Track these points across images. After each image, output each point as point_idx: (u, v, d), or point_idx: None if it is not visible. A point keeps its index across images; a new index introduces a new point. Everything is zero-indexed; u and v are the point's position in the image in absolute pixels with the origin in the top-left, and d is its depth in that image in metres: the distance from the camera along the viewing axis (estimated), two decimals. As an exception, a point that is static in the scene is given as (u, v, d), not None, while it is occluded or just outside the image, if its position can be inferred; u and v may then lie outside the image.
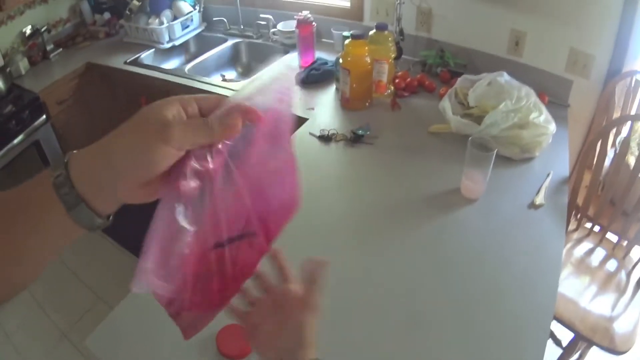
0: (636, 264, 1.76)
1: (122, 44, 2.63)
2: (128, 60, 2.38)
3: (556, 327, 1.67)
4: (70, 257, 2.65)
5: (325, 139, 1.65)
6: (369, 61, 1.74)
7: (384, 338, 1.06)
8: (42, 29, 2.60)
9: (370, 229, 1.36)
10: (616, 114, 1.86)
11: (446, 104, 1.64)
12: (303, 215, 1.42)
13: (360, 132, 1.64)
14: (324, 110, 1.86)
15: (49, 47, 2.62)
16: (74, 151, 0.42)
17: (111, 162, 0.40)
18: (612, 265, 1.79)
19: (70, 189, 0.40)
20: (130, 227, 2.72)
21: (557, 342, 1.76)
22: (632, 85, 1.89)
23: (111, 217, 0.45)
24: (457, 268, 1.24)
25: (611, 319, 1.58)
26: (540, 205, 1.43)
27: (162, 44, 2.49)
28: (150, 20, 2.53)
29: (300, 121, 1.75)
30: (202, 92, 2.07)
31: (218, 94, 1.96)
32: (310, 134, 1.69)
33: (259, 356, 0.66)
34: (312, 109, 1.83)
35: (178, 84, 2.15)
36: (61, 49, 2.68)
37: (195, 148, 0.42)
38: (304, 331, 0.63)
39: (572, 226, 1.89)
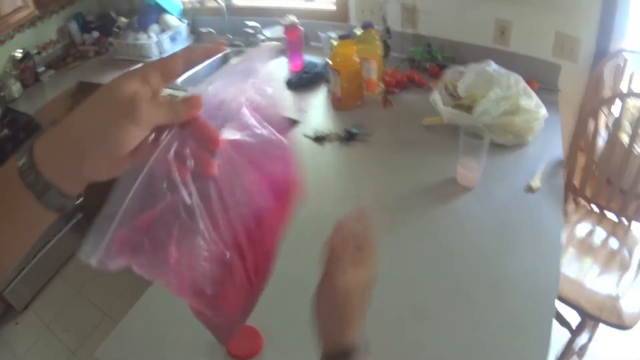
0: (639, 239, 1.77)
1: (112, 62, 2.65)
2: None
3: (563, 310, 1.68)
4: (74, 275, 2.66)
5: (319, 139, 1.66)
6: (357, 60, 1.75)
7: (388, 329, 1.05)
8: (33, 52, 2.62)
9: (372, 223, 1.36)
10: (607, 95, 1.88)
11: (437, 97, 1.66)
12: (303, 215, 1.43)
13: (354, 130, 1.65)
14: (316, 112, 1.87)
15: (40, 69, 2.65)
16: (35, 145, 0.40)
17: (77, 143, 0.39)
18: (613, 243, 1.80)
19: (36, 176, 0.39)
20: None
21: (565, 324, 1.76)
22: (621, 65, 1.91)
23: (81, 197, 0.44)
24: (457, 256, 1.25)
25: (617, 297, 1.59)
26: (537, 189, 1.44)
27: (151, 58, 2.50)
28: (138, 36, 2.55)
29: (294, 124, 1.76)
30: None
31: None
32: (305, 135, 1.69)
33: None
34: (305, 111, 1.84)
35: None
36: (53, 71, 2.70)
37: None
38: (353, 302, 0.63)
39: (570, 208, 1.91)
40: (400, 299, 1.13)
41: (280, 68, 2.23)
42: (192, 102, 0.43)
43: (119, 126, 0.39)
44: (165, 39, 2.55)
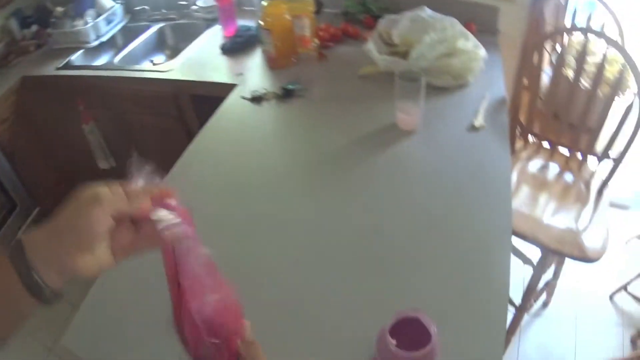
0: (594, 173, 1.76)
1: (52, 52, 2.57)
2: (59, 66, 2.33)
3: (524, 247, 1.67)
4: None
5: (257, 100, 1.61)
6: (288, 18, 1.71)
7: (349, 280, 1.03)
8: (-24, 55, 2.52)
9: (316, 178, 1.34)
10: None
11: (371, 46, 1.62)
12: (247, 176, 1.40)
13: (290, 87, 1.61)
14: (252, 74, 1.83)
15: (-18, 72, 2.55)
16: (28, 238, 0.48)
17: (58, 235, 0.48)
18: (568, 178, 1.79)
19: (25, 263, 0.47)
20: None
21: (527, 261, 1.75)
22: (562, 3, 1.89)
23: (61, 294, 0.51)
24: (405, 201, 1.22)
25: (577, 231, 1.58)
26: (480, 128, 1.42)
27: (89, 42, 2.45)
28: (75, 23, 2.48)
29: (230, 88, 1.72)
30: (134, 81, 2.05)
31: (150, 79, 1.98)
32: (242, 97, 1.65)
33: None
34: (241, 74, 1.79)
35: (110, 77, 2.11)
36: (-4, 71, 2.61)
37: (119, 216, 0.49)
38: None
39: (520, 146, 1.89)
40: (350, 249, 1.11)
41: (214, 36, 2.19)
42: (143, 200, 0.52)
43: (87, 211, 0.48)
44: (102, 22, 2.49)
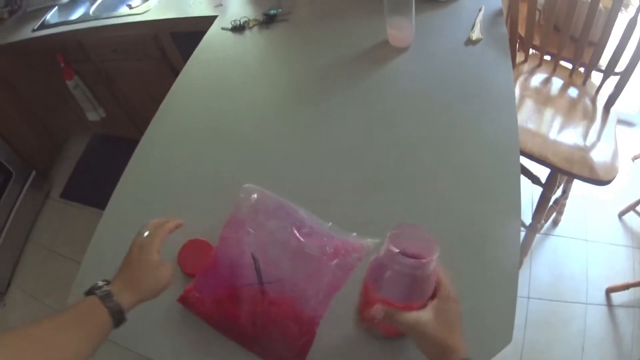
0: (599, 87, 1.68)
1: (27, 15, 2.49)
2: (35, 27, 2.25)
3: (532, 166, 1.61)
4: (43, 236, 2.60)
5: (238, 29, 1.54)
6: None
7: (345, 200, 1.00)
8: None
9: (308, 101, 1.28)
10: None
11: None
12: (234, 109, 1.34)
13: (272, 12, 1.53)
14: (232, 3, 1.74)
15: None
16: (111, 284, 0.68)
17: (139, 290, 0.70)
18: (573, 93, 1.71)
19: (119, 311, 0.65)
20: (87, 186, 2.66)
21: (536, 181, 1.69)
22: None
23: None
24: (402, 120, 1.17)
25: (586, 149, 1.51)
26: (478, 40, 1.34)
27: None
28: (45, -20, 2.37)
29: (211, 21, 1.64)
30: (113, 29, 1.97)
31: (128, 23, 1.90)
32: (223, 28, 1.57)
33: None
34: (221, 5, 1.71)
35: (87, 29, 2.03)
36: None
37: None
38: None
39: (520, 58, 1.80)
40: (353, 167, 1.07)
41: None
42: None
43: (156, 281, 0.72)
44: (74, -26, 2.37)
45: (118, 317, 0.65)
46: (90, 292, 0.66)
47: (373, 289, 0.68)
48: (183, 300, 0.85)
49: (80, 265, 1.00)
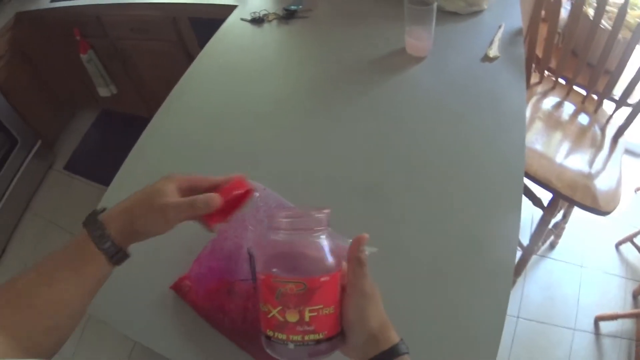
0: (610, 117, 1.68)
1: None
2: (54, -2, 2.25)
3: (535, 188, 1.61)
4: (43, 206, 2.61)
5: (257, 21, 1.53)
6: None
7: (347, 205, 0.99)
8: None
9: (319, 101, 1.28)
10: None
11: (380, -34, 1.52)
12: (247, 101, 1.34)
13: (292, 7, 1.53)
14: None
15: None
16: (102, 213, 0.63)
17: (134, 225, 0.62)
18: (583, 119, 1.71)
19: (112, 244, 0.60)
20: (92, 160, 2.67)
21: (538, 203, 1.69)
22: None
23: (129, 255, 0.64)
24: (412, 128, 1.16)
25: (590, 176, 1.51)
26: (495, 58, 1.34)
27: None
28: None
29: (231, 10, 1.63)
30: (132, 7, 1.97)
31: (148, 3, 1.89)
32: (242, 19, 1.57)
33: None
34: (243, -5, 1.71)
35: (106, 4, 2.03)
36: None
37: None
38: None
39: (534, 79, 1.80)
40: (358, 175, 1.07)
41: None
42: (209, 202, 0.63)
43: (156, 221, 0.62)
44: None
45: (101, 243, 0.60)
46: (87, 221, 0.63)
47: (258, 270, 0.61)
48: (176, 287, 0.86)
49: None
